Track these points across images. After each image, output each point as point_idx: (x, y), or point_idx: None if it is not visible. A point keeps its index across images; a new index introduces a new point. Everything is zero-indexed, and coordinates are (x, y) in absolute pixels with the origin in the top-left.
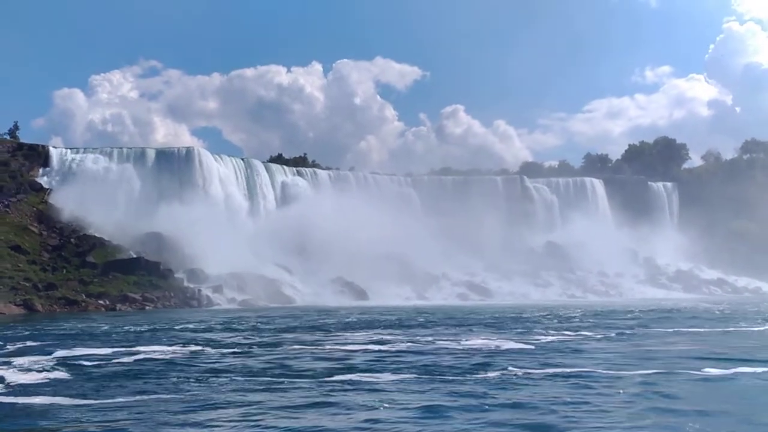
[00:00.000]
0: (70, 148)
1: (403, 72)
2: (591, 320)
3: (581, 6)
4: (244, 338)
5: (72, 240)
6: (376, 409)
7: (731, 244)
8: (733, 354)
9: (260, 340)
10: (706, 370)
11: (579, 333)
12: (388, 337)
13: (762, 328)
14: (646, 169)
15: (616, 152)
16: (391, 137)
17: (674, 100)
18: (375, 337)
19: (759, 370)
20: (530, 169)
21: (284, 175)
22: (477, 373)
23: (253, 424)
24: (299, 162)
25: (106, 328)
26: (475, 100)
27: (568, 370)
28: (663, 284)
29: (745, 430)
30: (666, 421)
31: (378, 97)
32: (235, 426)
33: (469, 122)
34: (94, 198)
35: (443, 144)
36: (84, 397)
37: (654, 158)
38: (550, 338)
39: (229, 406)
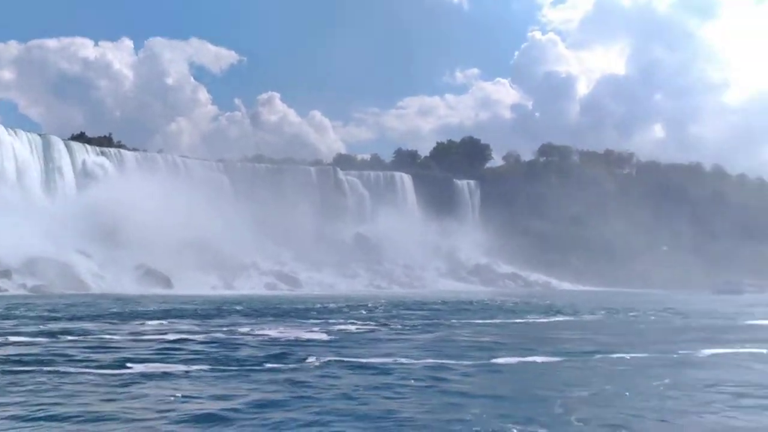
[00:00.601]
0: None
1: (219, 55)
2: (393, 311)
3: (398, 5)
4: (27, 326)
5: None
6: (170, 401)
7: (526, 241)
8: (522, 344)
9: (45, 328)
10: (496, 360)
11: (380, 323)
12: (185, 327)
13: (548, 320)
14: (452, 166)
15: (425, 149)
16: (204, 121)
17: (480, 101)
18: (171, 327)
19: (541, 359)
20: (343, 161)
21: (86, 154)
22: (274, 364)
23: (35, 414)
24: (104, 142)
25: None
26: (292, 89)
27: (365, 360)
28: (463, 277)
29: (528, 413)
30: (455, 406)
31: (192, 78)
32: (17, 415)
33: (285, 110)
34: None
35: (258, 131)
36: None
37: (460, 156)
38: (351, 328)
39: (7, 401)
